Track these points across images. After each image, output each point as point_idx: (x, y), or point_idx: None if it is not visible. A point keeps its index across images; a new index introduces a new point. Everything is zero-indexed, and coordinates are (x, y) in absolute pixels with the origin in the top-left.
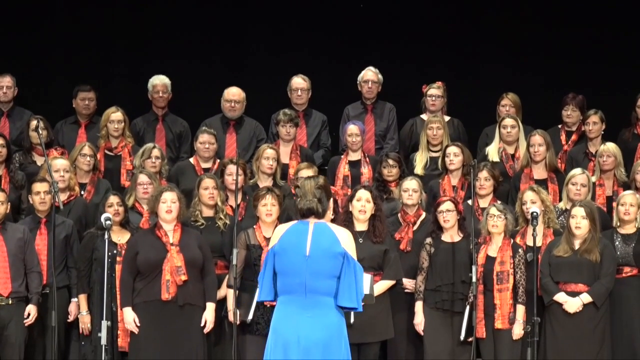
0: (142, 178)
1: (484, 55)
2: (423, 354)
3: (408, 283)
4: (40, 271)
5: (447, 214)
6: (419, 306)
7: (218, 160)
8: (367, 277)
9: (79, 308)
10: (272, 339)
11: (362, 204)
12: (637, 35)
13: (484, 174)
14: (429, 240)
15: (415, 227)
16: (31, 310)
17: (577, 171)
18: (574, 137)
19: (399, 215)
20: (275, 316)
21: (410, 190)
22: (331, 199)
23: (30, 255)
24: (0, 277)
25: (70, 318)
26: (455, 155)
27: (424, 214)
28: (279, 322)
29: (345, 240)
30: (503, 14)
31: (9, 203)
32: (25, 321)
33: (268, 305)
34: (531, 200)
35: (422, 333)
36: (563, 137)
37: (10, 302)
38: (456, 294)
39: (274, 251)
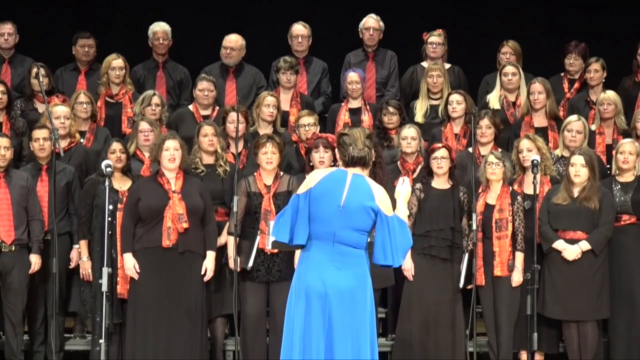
0: (144, 125)
1: (485, 2)
2: (408, 299)
3: None
4: (42, 219)
5: (442, 160)
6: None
7: (217, 108)
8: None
9: (80, 254)
10: (296, 285)
11: None
12: None
13: (485, 121)
14: (418, 185)
15: (414, 175)
16: (33, 259)
17: (572, 118)
18: (576, 85)
19: (398, 163)
20: (302, 263)
21: (409, 138)
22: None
23: (32, 203)
24: (4, 225)
25: (72, 264)
26: (458, 103)
27: (423, 162)
28: (304, 270)
29: (380, 196)
30: None
31: (13, 149)
32: (29, 271)
33: (268, 253)
34: (527, 149)
35: (411, 279)
36: (565, 85)
37: (13, 249)
38: (446, 240)
39: (310, 193)
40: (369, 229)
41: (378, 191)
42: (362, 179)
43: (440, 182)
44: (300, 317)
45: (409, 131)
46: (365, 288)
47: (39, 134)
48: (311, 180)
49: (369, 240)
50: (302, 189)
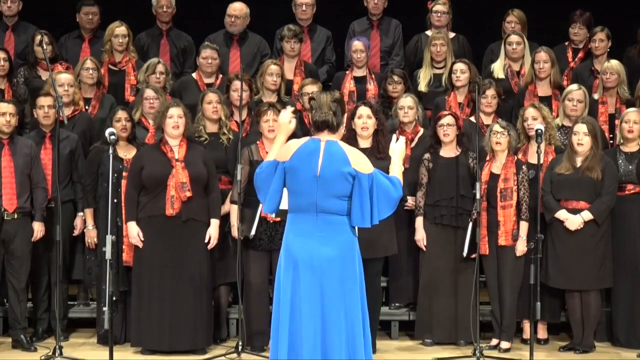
0: (149, 93)
1: None
2: (421, 269)
3: (409, 200)
4: (45, 187)
5: (448, 128)
6: (419, 222)
7: (221, 76)
8: (401, 141)
9: (84, 222)
10: (283, 257)
11: (364, 121)
12: None
13: (491, 91)
14: (427, 155)
15: (412, 144)
16: (36, 226)
17: (573, 87)
18: (580, 54)
19: (396, 132)
20: (287, 235)
21: (406, 108)
22: (345, 114)
23: (36, 171)
24: (7, 193)
25: (76, 232)
26: (462, 72)
27: (421, 130)
28: (290, 241)
29: (355, 158)
30: None
31: (17, 116)
32: (32, 237)
33: (271, 221)
34: (532, 117)
35: (424, 249)
36: (570, 55)
37: (15, 216)
38: (457, 208)
39: (285, 167)
40: (349, 194)
41: (352, 153)
42: (336, 144)
43: (448, 150)
44: (288, 288)
45: (406, 100)
46: (353, 255)
47: (44, 101)
48: (286, 150)
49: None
50: (279, 157)
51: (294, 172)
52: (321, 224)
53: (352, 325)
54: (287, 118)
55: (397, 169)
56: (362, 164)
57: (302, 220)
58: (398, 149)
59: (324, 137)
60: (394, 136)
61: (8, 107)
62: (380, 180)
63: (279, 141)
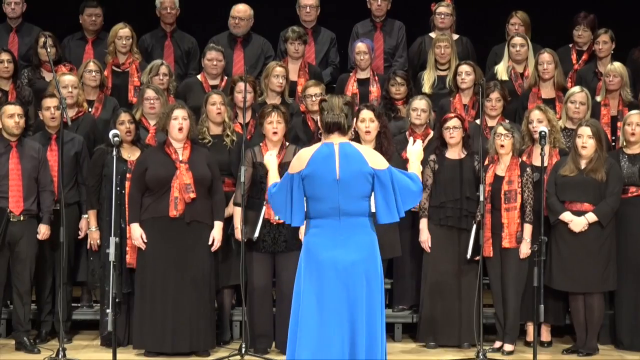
0: (149, 93)
1: None
2: (425, 271)
3: None
4: (52, 190)
5: (454, 130)
6: (423, 223)
7: (225, 77)
8: (418, 143)
9: (88, 224)
10: (305, 262)
11: (367, 125)
12: None
13: (495, 94)
14: (432, 157)
15: (423, 146)
16: (42, 229)
17: (576, 89)
18: (584, 56)
19: (407, 133)
20: (309, 239)
21: (419, 110)
22: (355, 118)
23: (44, 174)
24: (13, 196)
25: (81, 234)
26: (467, 74)
27: (432, 133)
28: (313, 244)
29: (371, 156)
30: None
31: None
32: (37, 238)
33: (274, 223)
34: (538, 120)
35: (428, 250)
36: (574, 57)
37: (22, 219)
38: (462, 210)
39: (302, 175)
40: (370, 193)
41: (367, 152)
42: (349, 145)
43: (454, 152)
44: (312, 293)
45: (420, 103)
46: (376, 256)
47: (50, 102)
48: (300, 161)
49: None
50: (293, 169)
51: (312, 179)
52: (344, 227)
53: (373, 326)
54: (420, 148)
55: (415, 167)
56: (377, 160)
57: (324, 225)
58: (415, 150)
59: (336, 139)
60: (411, 139)
61: (16, 109)
62: (397, 174)
63: (273, 171)
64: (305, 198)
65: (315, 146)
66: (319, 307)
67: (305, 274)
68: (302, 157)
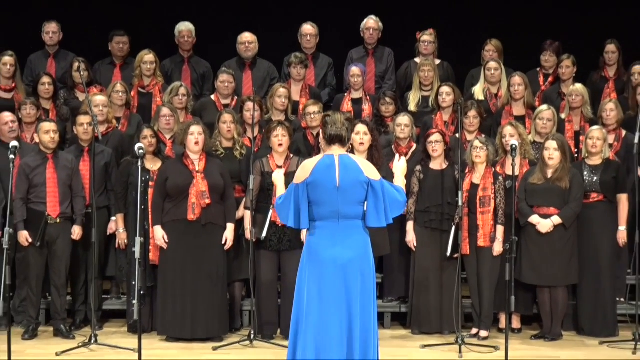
0: (165, 111)
1: (471, 5)
2: (412, 267)
3: None
4: (84, 195)
5: (436, 144)
6: (410, 225)
7: (236, 97)
8: (402, 160)
9: (116, 226)
10: (308, 259)
11: (361, 137)
12: None
13: (472, 112)
14: (418, 167)
15: (407, 158)
16: (76, 230)
17: (543, 107)
18: (550, 79)
19: (393, 146)
20: (311, 240)
21: (403, 125)
22: (352, 132)
23: (76, 182)
24: (51, 201)
25: (109, 233)
26: (447, 95)
27: (414, 146)
28: (314, 244)
29: (366, 167)
30: None
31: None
32: (72, 238)
33: (280, 225)
34: (510, 134)
35: (414, 249)
36: (541, 79)
37: (58, 221)
38: (444, 214)
39: (307, 183)
40: (365, 199)
41: (363, 163)
42: (348, 157)
43: (437, 164)
44: (314, 287)
45: (403, 119)
46: (369, 254)
47: (83, 119)
48: (304, 171)
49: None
50: (298, 179)
51: (315, 186)
52: (342, 229)
53: (367, 314)
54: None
55: (399, 181)
56: (371, 172)
57: (325, 227)
58: (400, 166)
59: (336, 151)
60: (397, 156)
61: (52, 126)
62: (387, 186)
63: (281, 186)
64: (309, 207)
65: (318, 157)
66: (320, 298)
67: (307, 269)
68: (307, 167)
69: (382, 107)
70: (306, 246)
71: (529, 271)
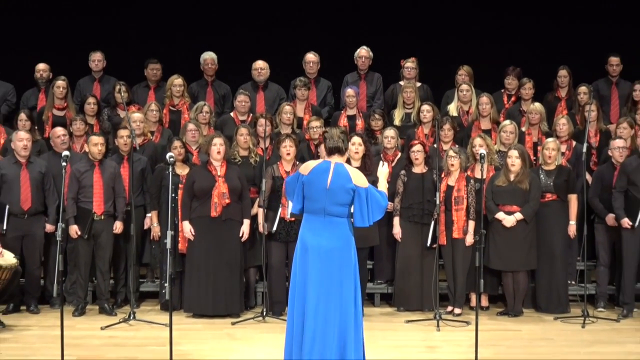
0: (191, 126)
1: (447, 37)
2: (398, 255)
3: (389, 204)
4: (124, 196)
5: (417, 153)
6: (396, 220)
7: (251, 114)
8: (385, 166)
9: (151, 221)
10: (299, 246)
11: (356, 147)
12: (561, 21)
13: (448, 126)
14: (403, 172)
15: (393, 164)
16: (118, 225)
17: (507, 122)
18: (513, 98)
19: (381, 155)
20: (302, 230)
21: (389, 137)
22: (349, 143)
23: (118, 185)
24: (96, 200)
25: (146, 227)
26: (427, 112)
27: (399, 154)
28: (304, 234)
29: (356, 176)
30: (462, 6)
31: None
32: (114, 231)
33: (288, 221)
34: (479, 144)
35: (399, 240)
36: (505, 99)
37: (102, 217)
38: (424, 210)
39: (304, 180)
40: (350, 203)
41: (354, 173)
42: (342, 166)
43: (418, 169)
44: (302, 271)
45: (390, 132)
46: (349, 246)
47: (123, 133)
48: (305, 167)
49: (351, 211)
50: (302, 170)
51: (310, 184)
52: (327, 224)
53: (347, 303)
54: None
55: (382, 185)
56: (360, 180)
57: (313, 220)
58: (383, 171)
59: (334, 159)
60: (381, 162)
61: (99, 139)
62: (373, 193)
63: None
64: (303, 197)
65: (319, 161)
66: (303, 278)
67: (299, 257)
68: (308, 166)
69: (372, 122)
70: (299, 234)
71: (495, 258)
